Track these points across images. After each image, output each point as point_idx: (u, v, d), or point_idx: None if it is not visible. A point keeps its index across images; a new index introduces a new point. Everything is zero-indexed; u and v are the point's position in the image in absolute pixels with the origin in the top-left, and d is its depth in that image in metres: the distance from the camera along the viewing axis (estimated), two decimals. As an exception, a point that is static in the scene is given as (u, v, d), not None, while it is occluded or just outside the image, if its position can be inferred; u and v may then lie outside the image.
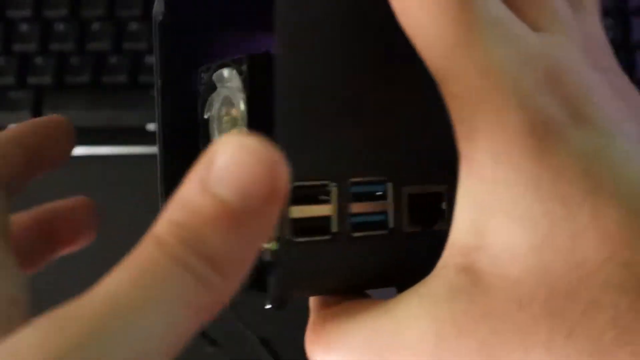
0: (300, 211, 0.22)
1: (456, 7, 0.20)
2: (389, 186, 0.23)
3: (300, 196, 0.22)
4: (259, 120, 0.24)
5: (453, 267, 0.21)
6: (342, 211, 0.22)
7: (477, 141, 0.20)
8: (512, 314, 0.20)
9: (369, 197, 0.23)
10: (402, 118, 0.23)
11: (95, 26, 0.57)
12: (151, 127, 0.56)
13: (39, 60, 0.56)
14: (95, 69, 0.56)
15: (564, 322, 0.20)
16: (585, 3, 0.24)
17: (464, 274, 0.21)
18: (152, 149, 0.56)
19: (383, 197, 0.23)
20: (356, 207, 0.23)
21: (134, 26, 0.57)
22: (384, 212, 0.23)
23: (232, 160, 0.17)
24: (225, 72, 0.26)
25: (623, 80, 0.24)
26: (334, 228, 0.22)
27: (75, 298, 0.17)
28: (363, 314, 0.23)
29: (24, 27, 0.57)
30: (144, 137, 0.56)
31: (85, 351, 0.16)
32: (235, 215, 0.17)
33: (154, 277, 0.17)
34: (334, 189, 0.22)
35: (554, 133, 0.20)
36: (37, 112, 0.55)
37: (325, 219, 0.22)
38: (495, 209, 0.20)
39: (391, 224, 0.23)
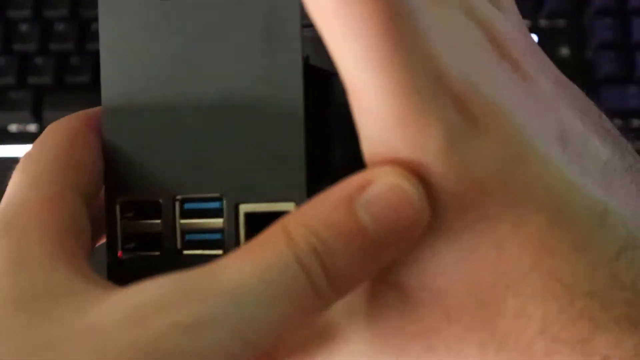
0: (133, 226, 0.22)
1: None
2: (224, 204, 0.22)
3: (134, 212, 0.22)
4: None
5: (379, 284, 0.20)
6: (170, 228, 0.22)
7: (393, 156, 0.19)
8: (443, 329, 0.19)
9: (205, 214, 0.22)
10: (229, 137, 0.22)
11: (95, 26, 0.57)
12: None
13: (39, 60, 0.56)
14: (95, 69, 0.56)
15: (494, 334, 0.19)
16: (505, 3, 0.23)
17: (392, 291, 0.20)
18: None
19: (219, 215, 0.22)
20: (187, 225, 0.22)
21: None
22: (219, 231, 0.22)
23: (386, 195, 0.18)
24: None
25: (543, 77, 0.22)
26: (166, 244, 0.22)
27: (199, 271, 0.18)
28: None
29: (24, 27, 0.57)
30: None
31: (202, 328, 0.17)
32: (368, 244, 0.18)
33: (279, 276, 0.18)
34: (165, 205, 0.22)
35: (471, 139, 0.18)
36: (37, 112, 0.55)
37: (157, 235, 0.22)
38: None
39: (227, 243, 0.22)
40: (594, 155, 0.21)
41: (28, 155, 0.24)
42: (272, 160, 0.21)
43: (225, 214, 0.22)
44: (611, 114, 0.59)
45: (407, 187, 0.18)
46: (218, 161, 0.22)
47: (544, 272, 0.19)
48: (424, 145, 0.18)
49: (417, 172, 0.18)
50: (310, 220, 0.18)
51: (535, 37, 0.57)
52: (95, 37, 0.56)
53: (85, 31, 0.57)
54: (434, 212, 0.19)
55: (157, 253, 0.22)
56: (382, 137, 0.18)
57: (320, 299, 0.18)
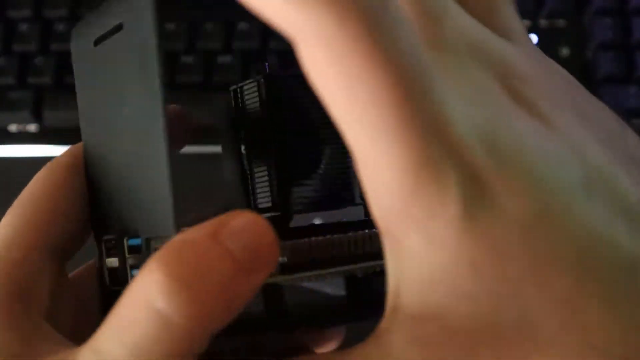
0: (109, 262, 0.24)
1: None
2: (142, 240, 0.23)
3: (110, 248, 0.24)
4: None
5: (393, 308, 0.20)
6: (122, 263, 0.24)
7: (408, 223, 0.19)
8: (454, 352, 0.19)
9: (136, 250, 0.23)
10: (131, 180, 0.24)
11: (95, 26, 0.57)
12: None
13: (39, 60, 0.56)
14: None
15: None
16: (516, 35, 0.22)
17: (402, 314, 0.20)
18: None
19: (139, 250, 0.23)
20: (109, 261, 0.24)
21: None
22: (137, 266, 0.23)
23: (246, 227, 0.20)
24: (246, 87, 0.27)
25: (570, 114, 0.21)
26: (122, 280, 0.24)
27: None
28: None
29: (24, 27, 0.57)
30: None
31: None
32: (237, 267, 0.19)
33: (143, 339, 0.19)
34: (118, 242, 0.24)
35: (488, 204, 0.18)
36: (37, 112, 0.55)
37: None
38: (437, 288, 0.19)
39: None
40: (622, 197, 0.20)
41: (12, 208, 0.26)
42: (153, 198, 0.22)
43: (142, 249, 0.23)
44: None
45: (262, 219, 0.20)
46: (132, 200, 0.23)
47: (574, 333, 0.18)
48: (439, 216, 0.18)
49: (431, 238, 0.18)
50: (178, 251, 0.20)
51: (535, 37, 0.57)
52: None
53: (85, 31, 0.57)
54: (450, 279, 0.19)
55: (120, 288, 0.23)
56: (394, 206, 0.18)
57: (189, 334, 0.19)
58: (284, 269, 0.23)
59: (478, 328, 0.19)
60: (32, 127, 0.56)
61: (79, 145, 0.26)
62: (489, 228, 0.18)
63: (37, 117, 0.55)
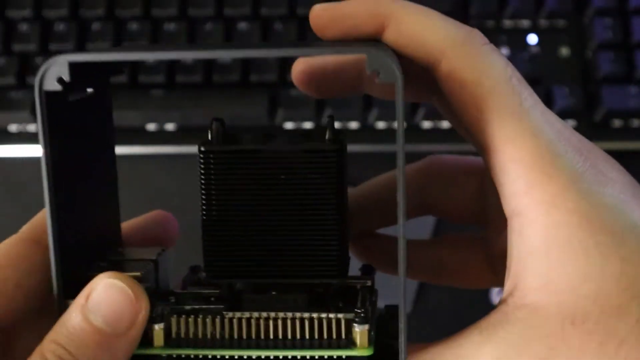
0: None
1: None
2: None
3: None
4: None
5: (512, 305, 0.24)
6: None
7: (533, 194, 0.24)
8: (567, 332, 0.23)
9: None
10: None
11: (96, 26, 0.57)
12: (151, 127, 0.56)
13: (39, 60, 0.56)
14: (95, 69, 0.56)
15: (615, 334, 0.22)
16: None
17: (524, 309, 0.24)
18: (152, 149, 0.56)
19: None
20: None
21: (134, 26, 0.56)
22: None
23: (106, 295, 0.24)
24: None
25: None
26: None
27: None
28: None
29: (24, 27, 0.57)
30: (144, 137, 0.56)
31: None
32: (105, 338, 0.23)
33: None
34: None
35: (596, 183, 0.24)
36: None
37: None
38: (552, 248, 0.23)
39: None
40: None
41: None
42: None
43: None
44: (612, 114, 0.60)
45: (120, 282, 0.24)
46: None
47: None
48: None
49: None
50: (56, 335, 0.23)
51: (535, 37, 0.57)
52: (95, 37, 0.56)
53: (85, 31, 0.57)
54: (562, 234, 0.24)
55: None
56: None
57: None
58: (167, 339, 0.25)
59: (601, 307, 0.23)
60: (32, 127, 0.56)
61: (40, 217, 0.27)
62: (601, 197, 0.24)
63: (36, 118, 0.55)
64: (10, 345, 0.26)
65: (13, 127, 0.56)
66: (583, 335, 0.23)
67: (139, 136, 0.56)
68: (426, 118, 0.54)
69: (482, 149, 0.25)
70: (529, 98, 0.25)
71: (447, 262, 0.33)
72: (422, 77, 0.27)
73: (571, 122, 0.55)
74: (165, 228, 0.31)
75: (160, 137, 0.56)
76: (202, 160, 0.26)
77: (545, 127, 0.24)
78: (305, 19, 0.57)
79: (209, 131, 0.27)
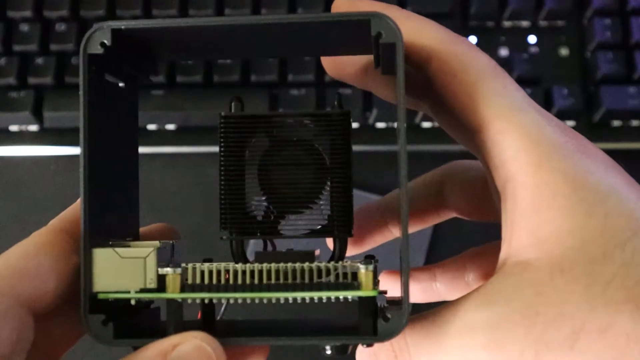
0: None
1: None
2: None
3: None
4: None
5: (507, 264, 0.26)
6: None
7: (520, 159, 0.26)
8: (555, 278, 0.24)
9: None
10: None
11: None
12: (152, 127, 0.56)
13: (39, 60, 0.56)
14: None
15: (601, 278, 0.24)
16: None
17: (517, 266, 0.25)
18: (152, 149, 0.56)
19: None
20: None
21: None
22: None
23: (191, 355, 0.24)
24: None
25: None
26: None
27: None
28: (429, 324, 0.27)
29: (24, 27, 0.57)
30: (144, 137, 0.56)
31: None
32: None
33: None
34: None
35: (578, 152, 0.26)
36: (37, 113, 0.55)
37: None
38: (539, 206, 0.25)
39: None
40: None
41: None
42: None
43: None
44: (611, 114, 0.60)
45: (209, 349, 0.25)
46: None
47: None
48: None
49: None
50: None
51: (535, 38, 0.57)
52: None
53: (85, 31, 0.57)
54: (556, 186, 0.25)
55: None
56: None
57: None
58: (182, 286, 0.27)
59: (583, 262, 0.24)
60: (32, 128, 0.56)
61: (73, 209, 0.28)
62: (584, 160, 0.26)
63: (37, 118, 0.55)
64: (46, 332, 0.27)
65: (13, 127, 0.56)
66: (570, 280, 0.24)
67: (140, 136, 0.56)
68: (426, 118, 0.54)
69: (473, 132, 0.27)
70: (512, 84, 0.27)
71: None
72: (415, 85, 0.30)
73: (570, 122, 0.55)
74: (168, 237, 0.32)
75: (160, 137, 0.56)
76: (222, 126, 0.29)
77: (529, 105, 0.27)
78: (305, 19, 0.57)
79: (230, 107, 0.29)
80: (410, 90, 0.31)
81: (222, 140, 0.29)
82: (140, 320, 0.28)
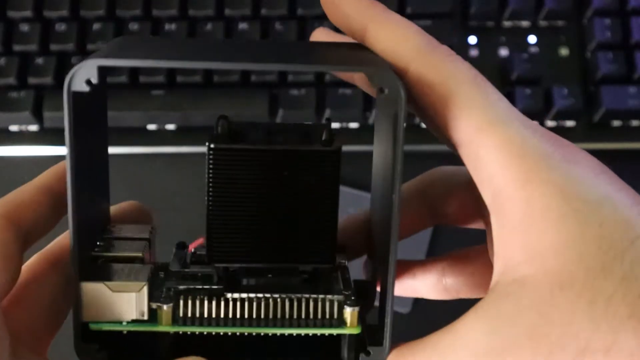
0: None
1: None
2: None
3: None
4: None
5: (502, 283, 0.25)
6: None
7: (507, 174, 0.25)
8: (556, 297, 0.24)
9: None
10: None
11: (96, 26, 0.57)
12: (152, 127, 0.56)
13: (39, 60, 0.56)
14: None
15: (602, 292, 0.23)
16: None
17: (513, 284, 0.25)
18: (151, 149, 0.56)
19: None
20: None
21: (134, 26, 0.57)
22: None
23: None
24: None
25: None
26: None
27: None
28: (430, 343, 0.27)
29: (24, 27, 0.57)
30: (144, 137, 0.56)
31: None
32: None
33: None
34: None
35: (565, 161, 0.25)
36: (37, 113, 0.55)
37: None
38: (531, 220, 0.24)
39: None
40: None
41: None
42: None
43: None
44: (611, 114, 0.60)
45: None
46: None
47: None
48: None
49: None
50: None
51: (535, 38, 0.57)
52: (95, 37, 0.56)
53: (85, 31, 0.57)
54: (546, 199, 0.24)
55: None
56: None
57: None
58: (174, 318, 0.27)
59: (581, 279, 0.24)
60: (32, 128, 0.56)
61: (15, 195, 0.29)
62: (572, 169, 0.25)
63: (37, 118, 0.55)
64: (19, 318, 0.27)
65: (13, 127, 0.56)
66: (572, 297, 0.24)
67: (140, 136, 0.56)
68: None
69: (455, 146, 0.27)
70: (494, 93, 0.26)
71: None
72: None
73: (570, 122, 0.55)
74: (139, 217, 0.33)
75: (160, 137, 0.56)
76: (210, 156, 0.28)
77: (512, 115, 0.26)
78: (305, 19, 0.57)
79: (215, 128, 0.28)
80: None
81: (210, 170, 0.28)
82: (131, 346, 0.29)
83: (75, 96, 0.25)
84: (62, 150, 0.57)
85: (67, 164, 0.26)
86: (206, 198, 0.28)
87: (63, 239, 0.29)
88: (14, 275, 0.27)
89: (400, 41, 0.27)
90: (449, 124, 0.26)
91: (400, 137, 0.25)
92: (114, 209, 0.32)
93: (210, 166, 0.28)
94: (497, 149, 0.25)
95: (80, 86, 0.25)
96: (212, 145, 0.28)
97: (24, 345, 0.27)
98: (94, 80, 0.25)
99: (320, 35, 0.31)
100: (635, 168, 0.53)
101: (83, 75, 0.25)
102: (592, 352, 0.23)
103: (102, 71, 0.26)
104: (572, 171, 0.25)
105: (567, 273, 0.24)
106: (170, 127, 0.56)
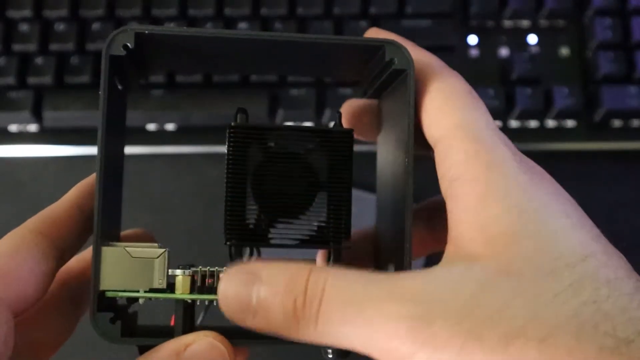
0: None
1: None
2: None
3: None
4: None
5: (452, 254, 0.26)
6: None
7: (470, 161, 0.26)
8: (502, 280, 0.24)
9: None
10: None
11: (95, 26, 0.57)
12: (151, 127, 0.56)
13: (39, 60, 0.56)
14: (95, 69, 0.56)
15: (549, 291, 0.23)
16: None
17: (464, 257, 0.25)
18: (151, 149, 0.56)
19: None
20: None
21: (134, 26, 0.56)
22: None
23: (204, 353, 0.25)
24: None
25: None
26: None
27: None
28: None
29: (24, 27, 0.57)
30: (144, 137, 0.56)
31: None
32: None
33: None
34: None
35: (524, 163, 0.27)
36: (37, 113, 0.55)
37: None
38: (486, 203, 0.25)
39: None
40: None
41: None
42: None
43: None
44: (611, 114, 0.60)
45: (222, 347, 0.26)
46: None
47: (595, 261, 0.24)
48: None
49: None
50: None
51: (535, 37, 0.57)
52: (95, 37, 0.56)
53: (85, 31, 0.57)
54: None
55: None
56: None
57: None
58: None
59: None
60: (32, 128, 0.56)
61: (50, 210, 0.29)
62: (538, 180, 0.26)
63: (37, 118, 0.55)
64: (27, 337, 0.27)
65: (13, 127, 0.56)
66: (516, 286, 0.24)
67: (139, 136, 0.56)
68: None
69: (433, 145, 0.28)
70: (482, 107, 0.28)
71: None
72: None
73: (571, 122, 0.55)
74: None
75: (160, 137, 0.56)
76: (230, 136, 0.29)
77: (490, 126, 0.28)
78: (305, 19, 0.57)
79: (235, 119, 0.30)
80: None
81: (230, 150, 0.29)
82: (128, 320, 0.29)
83: (112, 60, 0.27)
84: (62, 150, 0.57)
85: (99, 128, 0.27)
86: (225, 179, 0.29)
87: (72, 262, 0.30)
88: (43, 293, 0.27)
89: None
90: (434, 121, 0.28)
91: (411, 113, 0.27)
92: (122, 234, 0.33)
93: (230, 145, 0.29)
94: (464, 143, 0.26)
95: (118, 50, 0.27)
96: (232, 124, 0.30)
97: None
98: (131, 45, 0.27)
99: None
100: (636, 168, 0.53)
101: (121, 40, 0.27)
102: (526, 338, 0.23)
103: (139, 39, 0.27)
104: (538, 181, 0.26)
105: (517, 265, 0.24)
106: (170, 127, 0.56)
